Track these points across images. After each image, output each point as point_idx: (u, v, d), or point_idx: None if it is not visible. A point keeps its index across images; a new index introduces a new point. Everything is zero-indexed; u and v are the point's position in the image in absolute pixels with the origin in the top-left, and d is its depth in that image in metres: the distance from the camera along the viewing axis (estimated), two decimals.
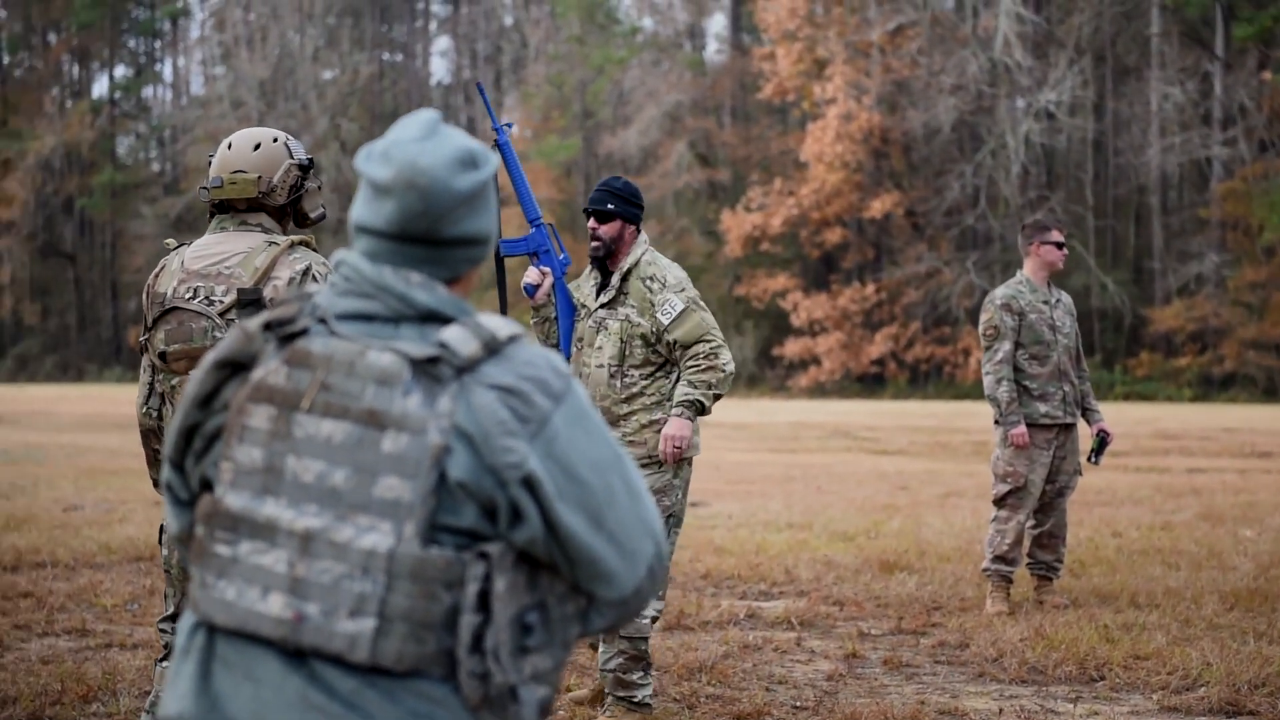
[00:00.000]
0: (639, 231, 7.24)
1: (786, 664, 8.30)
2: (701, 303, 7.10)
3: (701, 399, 6.93)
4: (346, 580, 2.39)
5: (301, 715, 2.39)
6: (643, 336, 7.03)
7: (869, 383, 56.14)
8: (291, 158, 5.50)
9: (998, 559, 9.89)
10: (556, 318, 7.28)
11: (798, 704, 7.36)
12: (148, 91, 79.09)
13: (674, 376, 7.08)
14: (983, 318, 10.16)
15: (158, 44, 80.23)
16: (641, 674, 7.01)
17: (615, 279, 7.12)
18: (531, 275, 7.22)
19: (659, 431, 6.99)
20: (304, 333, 2.53)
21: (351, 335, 2.50)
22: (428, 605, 2.38)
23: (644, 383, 7.06)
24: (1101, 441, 10.20)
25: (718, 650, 8.47)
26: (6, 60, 76.87)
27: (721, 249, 59.07)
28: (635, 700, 7.01)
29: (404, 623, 2.38)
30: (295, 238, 5.37)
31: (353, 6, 74.38)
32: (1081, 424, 10.30)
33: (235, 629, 2.46)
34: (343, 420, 2.43)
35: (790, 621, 9.39)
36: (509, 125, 7.07)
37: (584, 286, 7.34)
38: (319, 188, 5.65)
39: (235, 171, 5.42)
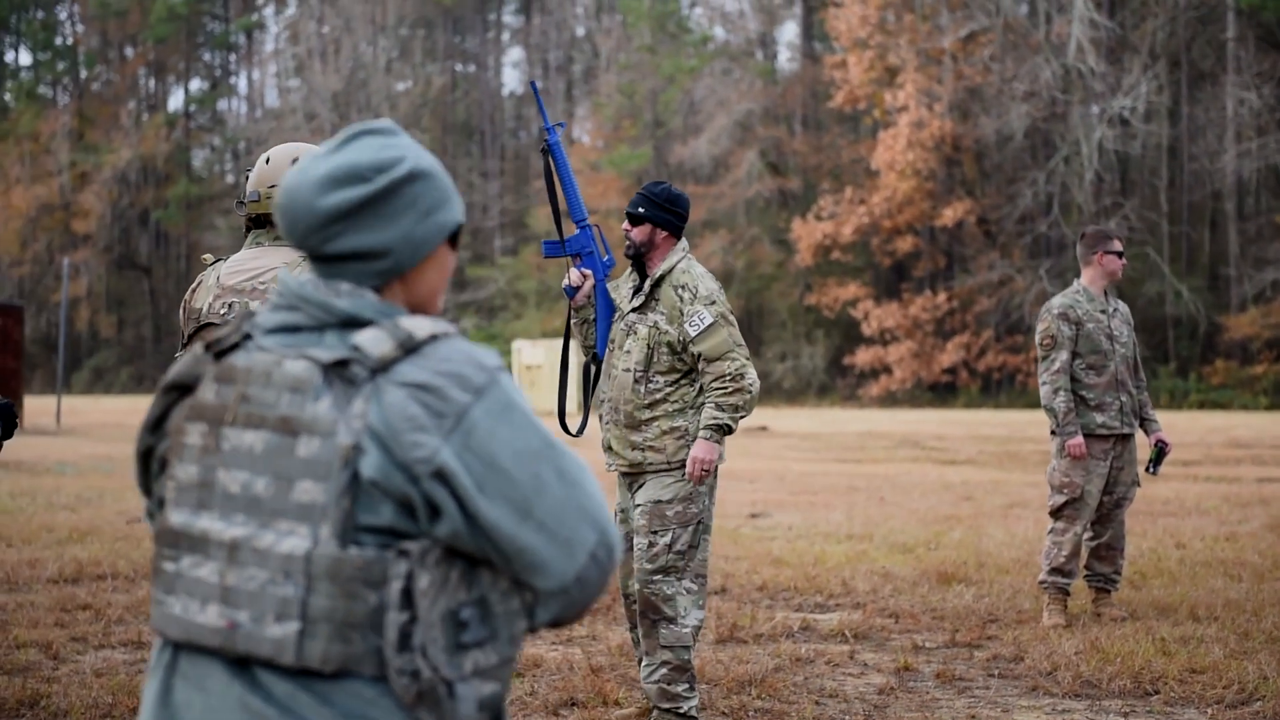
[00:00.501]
0: (676, 239, 7.21)
1: (838, 677, 8.26)
2: (731, 317, 7.10)
3: (729, 422, 6.96)
4: (271, 585, 2.43)
5: None
6: (669, 344, 7.03)
7: (941, 392, 55.91)
8: None
9: (1054, 571, 9.81)
10: (596, 320, 7.34)
11: (846, 718, 7.32)
12: (222, 104, 79.90)
13: (697, 385, 7.08)
14: (1039, 327, 10.08)
15: (233, 57, 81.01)
16: (686, 685, 6.99)
17: (647, 284, 7.12)
18: (573, 276, 7.29)
19: (680, 438, 7.01)
20: (235, 348, 2.59)
21: (272, 347, 2.54)
22: (349, 605, 2.41)
23: (668, 389, 7.05)
24: (1159, 452, 10.10)
25: (769, 663, 8.44)
26: (84, 74, 77.78)
27: (792, 258, 59.01)
28: (681, 712, 6.99)
29: (327, 623, 2.41)
30: None
31: (425, 18, 74.79)
32: (1140, 434, 10.20)
33: (185, 641, 2.52)
34: (261, 430, 2.48)
35: (844, 634, 9.34)
36: (560, 125, 7.16)
37: (622, 288, 7.35)
38: None
39: (272, 186, 5.44)
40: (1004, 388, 55.38)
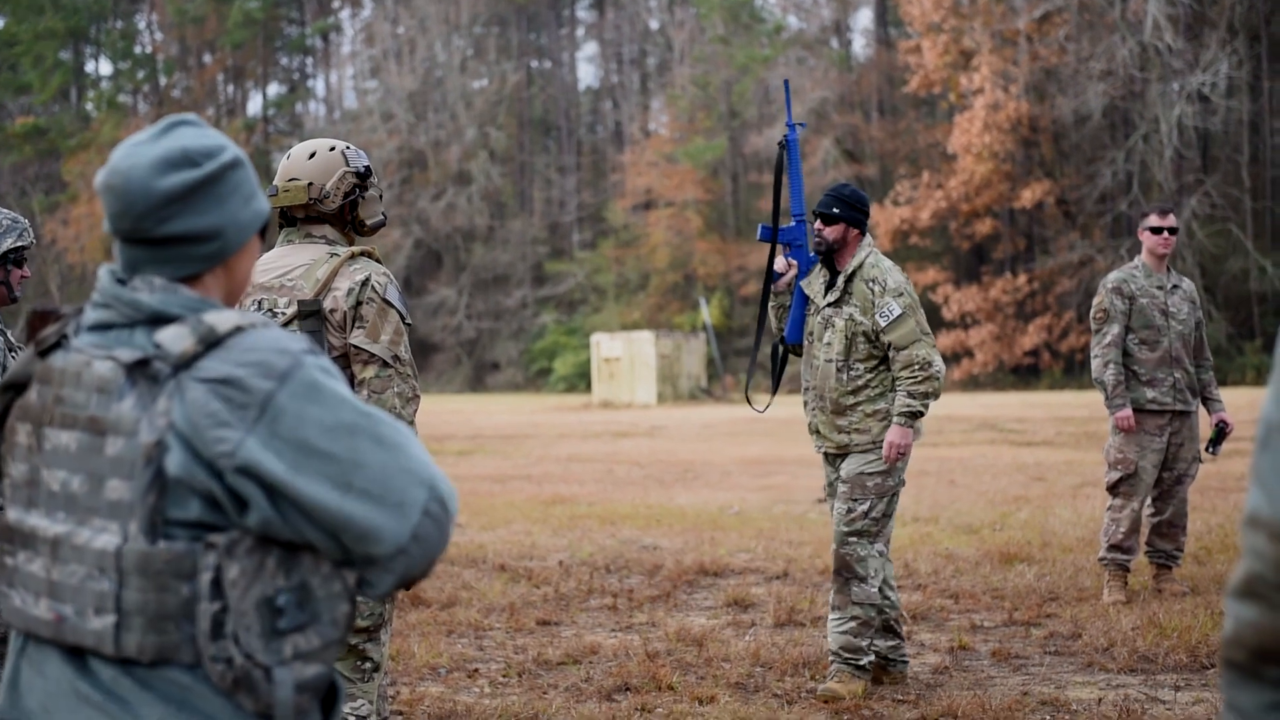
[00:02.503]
0: (863, 235, 7.74)
1: None
2: (918, 307, 7.61)
3: (920, 408, 7.51)
4: (89, 580, 2.52)
5: (74, 704, 2.55)
6: (865, 334, 7.59)
7: (1023, 374, 55.51)
8: (348, 165, 5.58)
9: (1113, 548, 9.79)
10: (791, 306, 7.90)
11: (899, 698, 7.37)
12: (300, 108, 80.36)
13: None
14: (1094, 301, 10.07)
15: (309, 61, 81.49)
16: (869, 641, 7.54)
17: (841, 280, 7.66)
18: (779, 264, 7.89)
19: (883, 420, 7.58)
20: (55, 348, 2.67)
21: (84, 347, 2.62)
22: (160, 597, 2.49)
23: (869, 376, 7.60)
24: (1219, 431, 10.01)
25: (825, 645, 8.47)
26: (163, 82, 78.51)
27: None
28: (859, 664, 7.52)
29: (140, 616, 2.49)
30: (357, 249, 5.46)
31: (499, 15, 75.01)
32: (1204, 414, 10.13)
33: (26, 632, 2.64)
34: (74, 430, 2.56)
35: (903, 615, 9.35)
36: (802, 125, 7.79)
37: (814, 283, 7.85)
38: (380, 196, 5.72)
39: (290, 180, 5.52)
40: (1087, 369, 54.61)
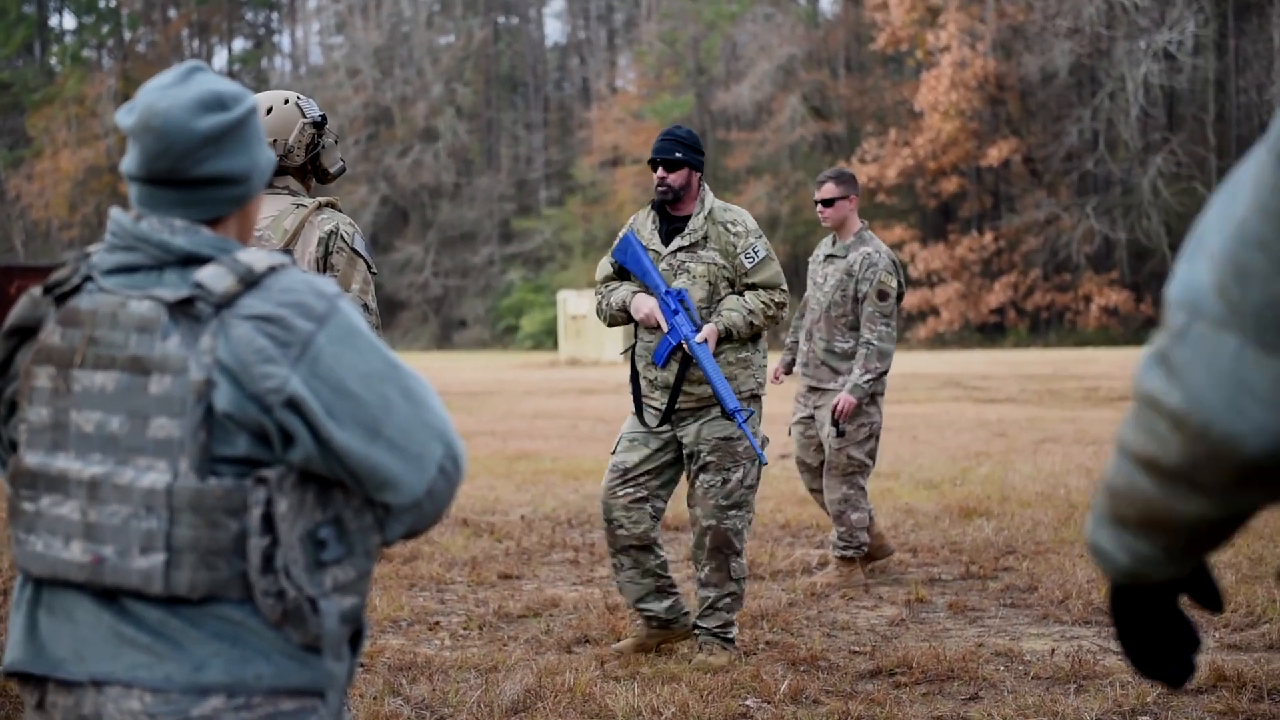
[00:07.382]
0: (703, 178, 7.45)
1: (851, 610, 8.35)
2: (772, 251, 7.34)
3: (741, 323, 7.15)
4: (134, 520, 2.53)
5: (115, 648, 2.55)
6: (728, 279, 7.24)
7: (989, 332, 55.71)
8: (304, 116, 5.64)
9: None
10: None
11: (855, 649, 7.41)
12: (266, 63, 79.92)
13: None
14: None
15: (275, 16, 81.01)
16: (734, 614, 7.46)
17: (696, 223, 7.28)
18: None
19: (747, 367, 7.25)
20: (76, 291, 2.66)
21: (114, 288, 2.62)
22: (213, 533, 2.52)
23: None
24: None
25: (783, 598, 8.54)
26: (128, 36, 77.95)
27: None
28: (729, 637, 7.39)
29: (192, 553, 2.52)
30: (323, 199, 5.52)
31: None
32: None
33: (50, 577, 2.62)
34: (112, 370, 2.57)
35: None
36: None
37: (643, 230, 7.44)
38: (335, 141, 5.78)
39: None
40: (1053, 326, 55.14)
